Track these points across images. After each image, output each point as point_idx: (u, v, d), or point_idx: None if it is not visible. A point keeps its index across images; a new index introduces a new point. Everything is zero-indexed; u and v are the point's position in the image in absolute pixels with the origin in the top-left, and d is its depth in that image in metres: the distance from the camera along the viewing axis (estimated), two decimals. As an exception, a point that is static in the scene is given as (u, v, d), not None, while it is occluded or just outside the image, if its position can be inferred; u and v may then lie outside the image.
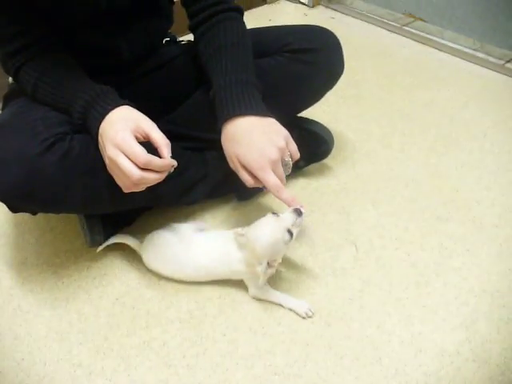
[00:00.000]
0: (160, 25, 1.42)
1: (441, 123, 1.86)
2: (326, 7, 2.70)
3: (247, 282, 1.27)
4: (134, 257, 1.37)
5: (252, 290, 1.26)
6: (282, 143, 1.16)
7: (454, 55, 2.26)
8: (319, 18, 2.60)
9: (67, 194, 1.15)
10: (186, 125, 1.41)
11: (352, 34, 2.45)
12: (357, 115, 1.91)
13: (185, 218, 1.47)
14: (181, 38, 1.54)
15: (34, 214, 1.31)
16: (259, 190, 1.42)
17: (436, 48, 2.32)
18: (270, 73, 1.34)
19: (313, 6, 2.71)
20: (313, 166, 1.62)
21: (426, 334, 1.19)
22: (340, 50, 1.47)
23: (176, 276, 1.30)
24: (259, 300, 1.27)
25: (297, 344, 1.18)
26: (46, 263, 1.38)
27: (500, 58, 2.18)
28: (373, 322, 1.22)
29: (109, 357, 1.17)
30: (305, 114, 1.55)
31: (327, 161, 1.64)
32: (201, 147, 1.43)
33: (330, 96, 1.52)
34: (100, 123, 1.08)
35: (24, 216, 1.49)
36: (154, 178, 1.07)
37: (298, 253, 1.37)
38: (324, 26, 1.48)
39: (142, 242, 1.33)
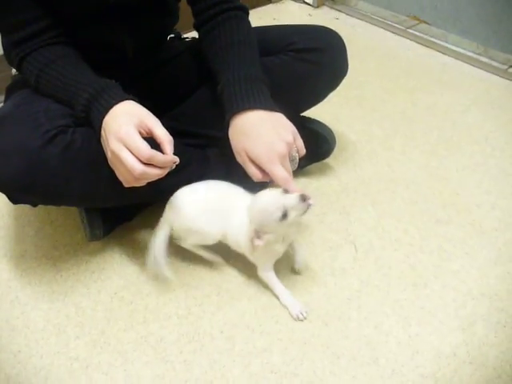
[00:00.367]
0: (165, 21, 1.43)
1: (443, 126, 1.86)
2: (331, 8, 2.70)
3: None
4: (133, 251, 1.38)
5: (258, 270, 1.27)
6: (290, 138, 1.16)
7: (458, 59, 2.26)
8: (323, 18, 2.60)
9: (68, 187, 1.15)
10: (189, 121, 1.42)
11: (356, 35, 2.45)
12: (359, 116, 1.91)
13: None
14: (185, 35, 1.54)
15: (35, 205, 1.31)
16: (262, 186, 1.43)
17: (439, 51, 2.32)
18: (274, 71, 1.34)
19: (317, 7, 2.71)
20: (314, 166, 1.62)
21: (423, 336, 1.19)
22: (344, 50, 1.47)
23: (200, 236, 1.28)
24: (257, 297, 1.27)
25: (294, 343, 1.18)
26: (45, 256, 1.39)
27: (503, 63, 2.17)
28: (370, 323, 1.22)
29: (106, 351, 1.17)
30: (307, 113, 1.56)
31: (328, 161, 1.64)
32: (202, 144, 1.43)
33: (332, 97, 1.53)
34: (104, 117, 1.08)
35: (24, 208, 1.50)
36: (155, 174, 1.07)
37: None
38: (328, 27, 1.49)
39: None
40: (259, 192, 1.16)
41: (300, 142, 1.20)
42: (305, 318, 1.22)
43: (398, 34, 2.45)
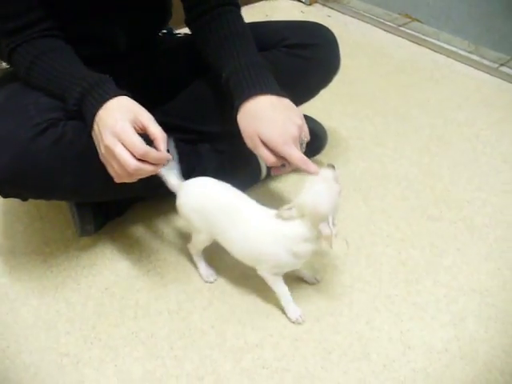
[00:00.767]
0: (159, 16, 1.43)
1: (434, 123, 1.86)
2: (323, 5, 2.70)
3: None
4: (124, 247, 1.37)
5: (261, 270, 1.23)
6: (300, 121, 1.17)
7: (449, 57, 2.27)
8: (316, 15, 2.60)
9: (58, 180, 1.15)
10: (181, 116, 1.42)
11: (348, 32, 2.45)
12: (351, 113, 1.91)
13: (176, 210, 1.46)
14: (177, 31, 1.53)
15: (25, 199, 1.30)
16: (256, 181, 1.44)
17: (431, 49, 2.33)
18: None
19: (310, 4, 2.71)
20: (305, 162, 1.61)
21: (414, 331, 1.19)
22: (337, 46, 1.47)
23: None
24: (249, 292, 1.27)
25: (285, 338, 1.18)
26: (35, 252, 1.38)
27: (494, 61, 2.18)
28: (362, 318, 1.22)
29: (96, 347, 1.17)
30: (299, 109, 1.55)
31: (320, 157, 1.64)
32: (193, 139, 1.43)
33: (324, 93, 1.53)
34: (97, 111, 1.07)
35: (14, 204, 1.49)
36: (149, 170, 1.06)
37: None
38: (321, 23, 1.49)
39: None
40: (295, 199, 1.13)
41: (306, 127, 1.20)
42: (303, 322, 1.22)
43: (391, 32, 2.46)
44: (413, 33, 2.41)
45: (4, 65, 1.30)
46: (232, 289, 1.28)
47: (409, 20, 2.47)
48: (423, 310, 1.24)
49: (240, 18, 1.34)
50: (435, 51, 2.31)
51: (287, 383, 1.10)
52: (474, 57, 2.23)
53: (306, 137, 1.20)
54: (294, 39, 1.41)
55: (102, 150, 1.07)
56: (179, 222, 1.45)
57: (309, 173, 1.14)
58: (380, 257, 1.36)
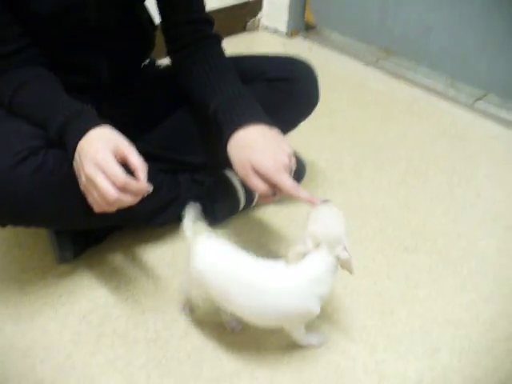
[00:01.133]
0: (142, 48, 1.45)
1: (411, 156, 1.89)
2: (304, 38, 2.75)
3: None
4: (102, 274, 1.37)
5: (297, 336, 1.21)
6: (290, 150, 1.19)
7: (427, 91, 2.31)
8: (297, 48, 2.64)
9: (38, 209, 1.15)
10: (162, 146, 1.43)
11: (328, 65, 2.49)
12: (329, 145, 1.94)
13: (155, 239, 1.47)
14: (159, 62, 1.56)
15: (4, 226, 1.30)
16: (235, 213, 1.45)
17: (409, 83, 2.37)
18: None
19: (291, 36, 2.75)
20: (284, 194, 1.63)
21: (389, 362, 1.20)
22: (316, 80, 1.50)
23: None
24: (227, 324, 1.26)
25: (262, 367, 1.18)
26: (13, 279, 1.37)
27: (470, 96, 2.23)
28: (338, 348, 1.23)
29: (72, 375, 1.16)
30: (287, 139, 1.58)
31: (299, 188, 1.65)
32: (173, 169, 1.44)
33: (304, 125, 1.56)
34: (79, 140, 1.08)
35: (-8, 230, 1.49)
36: (128, 201, 1.08)
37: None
38: (301, 57, 1.52)
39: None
40: (306, 234, 1.11)
41: (293, 157, 1.22)
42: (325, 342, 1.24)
43: (370, 66, 2.50)
44: (391, 67, 2.46)
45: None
46: (209, 318, 1.28)
47: (388, 54, 2.52)
48: (398, 340, 1.25)
49: (222, 51, 1.37)
50: (413, 85, 2.36)
51: (263, 413, 1.11)
52: (451, 91, 2.28)
53: (294, 165, 1.22)
54: (274, 73, 1.44)
55: (82, 179, 1.08)
56: (157, 250, 1.46)
57: (300, 199, 1.16)
58: (356, 287, 1.37)
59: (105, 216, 1.15)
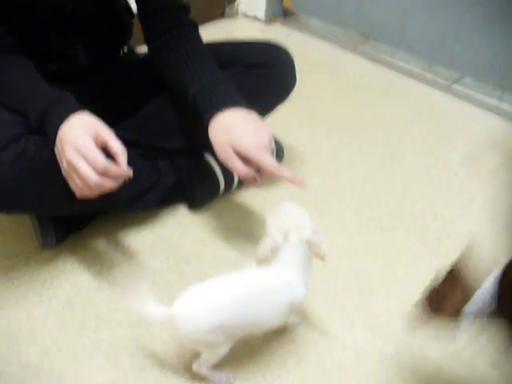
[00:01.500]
0: (120, 35, 1.46)
1: (388, 138, 1.92)
2: (283, 24, 2.75)
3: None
4: (85, 259, 1.39)
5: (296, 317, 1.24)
6: (269, 131, 1.22)
7: (404, 75, 2.34)
8: (275, 34, 2.63)
9: (20, 195, 1.17)
10: (141, 132, 1.44)
11: (307, 50, 2.50)
12: (307, 129, 1.96)
13: (137, 224, 1.49)
14: (139, 50, 1.57)
15: (-14, 213, 1.32)
16: (215, 196, 1.46)
17: (387, 67, 2.39)
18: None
19: (270, 23, 2.76)
20: (262, 177, 1.65)
21: (367, 340, 1.23)
22: (292, 65, 1.52)
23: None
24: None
25: (241, 347, 1.18)
26: (-4, 265, 1.39)
27: (446, 79, 2.25)
28: (317, 327, 1.26)
29: (57, 357, 1.18)
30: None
31: (277, 172, 1.68)
32: (153, 155, 1.46)
33: (282, 109, 1.58)
34: (59, 127, 1.10)
35: (-26, 218, 1.50)
36: (109, 185, 1.10)
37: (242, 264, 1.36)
38: (280, 43, 1.54)
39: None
40: (274, 226, 1.11)
41: (272, 138, 1.24)
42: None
43: (348, 50, 2.52)
44: (369, 51, 2.48)
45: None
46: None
47: (365, 39, 2.54)
48: (376, 318, 1.28)
49: (199, 37, 1.38)
50: (391, 69, 2.38)
51: (244, 391, 1.13)
52: (428, 75, 2.30)
53: (274, 147, 1.25)
54: (251, 59, 1.46)
55: (64, 165, 1.10)
56: (139, 234, 1.47)
57: (283, 178, 1.19)
58: (335, 268, 1.40)
59: (87, 202, 1.17)
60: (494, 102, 2.13)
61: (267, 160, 1.18)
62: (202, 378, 1.13)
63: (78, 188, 1.11)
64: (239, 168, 1.20)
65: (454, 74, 2.27)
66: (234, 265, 1.19)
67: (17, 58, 1.22)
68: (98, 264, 1.39)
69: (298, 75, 1.55)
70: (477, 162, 1.81)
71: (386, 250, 1.47)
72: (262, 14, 2.76)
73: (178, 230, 1.49)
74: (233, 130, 1.20)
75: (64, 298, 1.31)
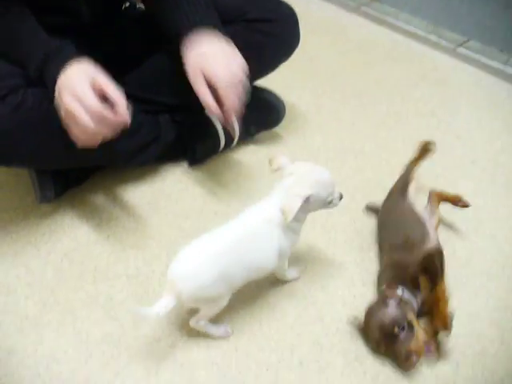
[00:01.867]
0: None
1: (391, 100, 1.91)
2: (286, -16, 2.71)
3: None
4: (83, 213, 1.39)
5: (284, 273, 1.24)
6: (245, 65, 1.22)
7: (408, 36, 2.31)
8: (279, -6, 2.60)
9: (18, 147, 1.16)
10: (141, 87, 1.43)
11: (310, 10, 2.47)
12: (310, 88, 1.94)
13: (135, 179, 1.48)
14: (140, 5, 1.54)
15: (-15, 166, 1.31)
16: (215, 153, 1.45)
17: (391, 29, 2.36)
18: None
19: (273, -18, 2.71)
20: (264, 135, 1.65)
21: (366, 296, 1.23)
22: (296, 22, 1.50)
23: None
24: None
25: (241, 302, 1.19)
26: (-5, 219, 1.38)
27: (451, 42, 2.23)
28: (316, 283, 1.26)
29: (55, 310, 1.19)
30: (258, 83, 1.58)
31: (278, 130, 1.67)
32: (153, 110, 1.44)
33: (284, 68, 1.56)
34: (58, 76, 1.09)
35: (-28, 172, 1.49)
36: (107, 132, 1.09)
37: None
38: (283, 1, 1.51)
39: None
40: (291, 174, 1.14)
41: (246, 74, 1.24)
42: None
43: (351, 11, 2.49)
44: (373, 12, 2.44)
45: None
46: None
47: (370, 1, 2.50)
48: (375, 275, 1.27)
49: None
50: (394, 31, 2.35)
51: (242, 344, 1.13)
52: (432, 37, 2.27)
53: (248, 83, 1.24)
54: (253, 14, 1.44)
55: (63, 114, 1.09)
56: (138, 189, 1.47)
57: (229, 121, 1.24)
58: (335, 225, 1.40)
59: (86, 154, 1.16)
60: (499, 66, 2.10)
61: (230, 98, 1.18)
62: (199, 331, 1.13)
63: (78, 137, 1.10)
64: (205, 96, 1.20)
65: (460, 36, 2.24)
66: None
67: (18, 8, 1.20)
68: (97, 218, 1.38)
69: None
70: (479, 126, 1.80)
71: (386, 210, 1.45)
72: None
73: (177, 186, 1.49)
74: (208, 58, 1.20)
75: (62, 251, 1.31)
